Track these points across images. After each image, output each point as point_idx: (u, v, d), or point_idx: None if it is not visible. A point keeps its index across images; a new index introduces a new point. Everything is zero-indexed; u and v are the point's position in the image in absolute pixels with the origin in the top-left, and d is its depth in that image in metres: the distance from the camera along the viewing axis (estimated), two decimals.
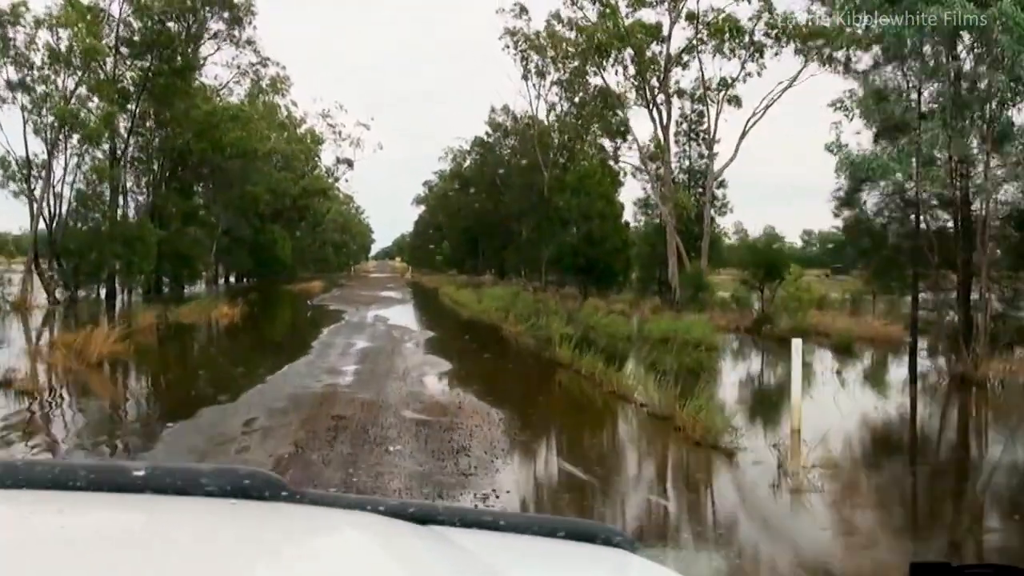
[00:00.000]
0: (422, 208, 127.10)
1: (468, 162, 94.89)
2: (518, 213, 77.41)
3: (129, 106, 52.12)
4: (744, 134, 44.14)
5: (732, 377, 24.69)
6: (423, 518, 1.50)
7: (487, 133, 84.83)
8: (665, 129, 45.83)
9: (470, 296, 52.06)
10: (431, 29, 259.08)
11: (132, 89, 51.97)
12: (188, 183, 61.91)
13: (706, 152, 50.10)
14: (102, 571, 1.13)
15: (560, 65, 66.45)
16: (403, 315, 42.54)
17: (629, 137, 58.76)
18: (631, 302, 48.05)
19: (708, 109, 45.81)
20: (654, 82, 45.83)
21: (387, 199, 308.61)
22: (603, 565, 1.53)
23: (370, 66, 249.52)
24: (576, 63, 65.56)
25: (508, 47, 65.71)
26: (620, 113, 49.50)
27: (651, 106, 45.94)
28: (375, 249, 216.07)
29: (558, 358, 23.85)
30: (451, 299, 54.68)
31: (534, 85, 68.60)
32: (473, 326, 37.65)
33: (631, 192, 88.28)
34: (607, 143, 67.13)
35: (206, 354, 30.08)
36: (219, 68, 64.12)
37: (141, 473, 1.42)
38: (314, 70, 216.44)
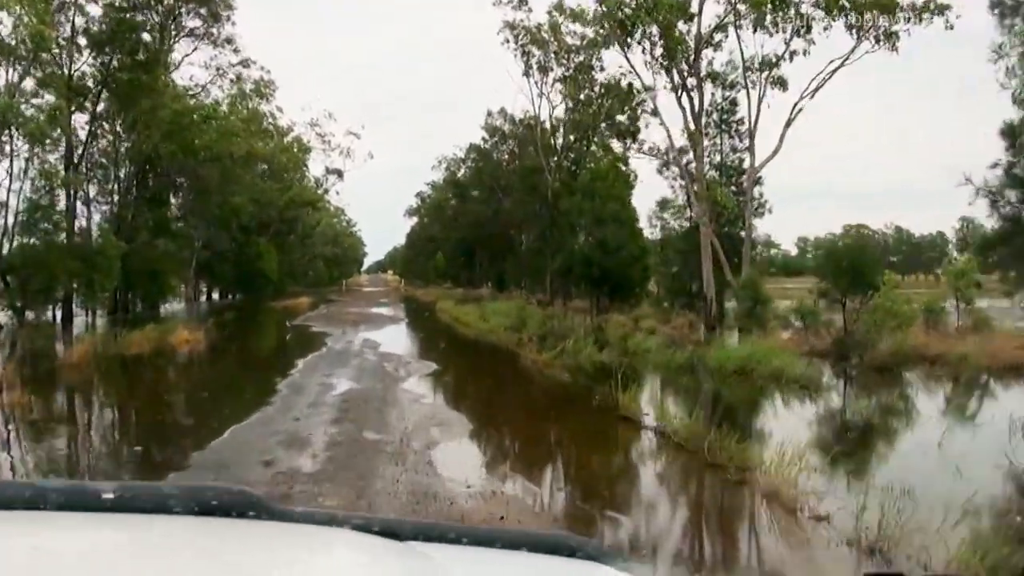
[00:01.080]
0: (415, 220, 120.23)
1: (463, 170, 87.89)
2: (519, 221, 70.11)
3: (88, 104, 44.82)
4: (790, 122, 36.83)
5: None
6: (397, 534, 1.45)
7: (483, 139, 77.57)
8: (697, 117, 38.41)
9: (471, 312, 44.77)
10: (426, 33, 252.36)
11: (92, 85, 44.62)
12: (159, 191, 54.25)
13: (740, 144, 42.76)
14: None
15: (564, 59, 59.50)
16: (397, 339, 35.29)
17: (643, 133, 51.53)
18: (659, 318, 40.72)
19: (749, 92, 38.31)
20: (683, 65, 38.26)
21: (380, 211, 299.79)
22: None
23: (364, 72, 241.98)
24: (581, 57, 58.95)
25: (508, 41, 58.88)
26: (644, 98, 41.11)
27: (680, 91, 38.46)
28: (368, 262, 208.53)
29: (622, 408, 16.40)
30: (450, 316, 47.28)
31: (536, 83, 61.56)
32: (483, 352, 30.53)
33: (645, 196, 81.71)
34: (616, 144, 60.48)
35: (121, 406, 20.91)
36: (196, 69, 56.75)
37: (114, 494, 1.37)
38: (306, 77, 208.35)
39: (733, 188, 42.76)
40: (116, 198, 49.48)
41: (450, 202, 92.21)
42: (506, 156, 74.99)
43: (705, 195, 38.53)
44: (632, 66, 40.32)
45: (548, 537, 1.55)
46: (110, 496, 1.36)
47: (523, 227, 70.19)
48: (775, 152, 37.63)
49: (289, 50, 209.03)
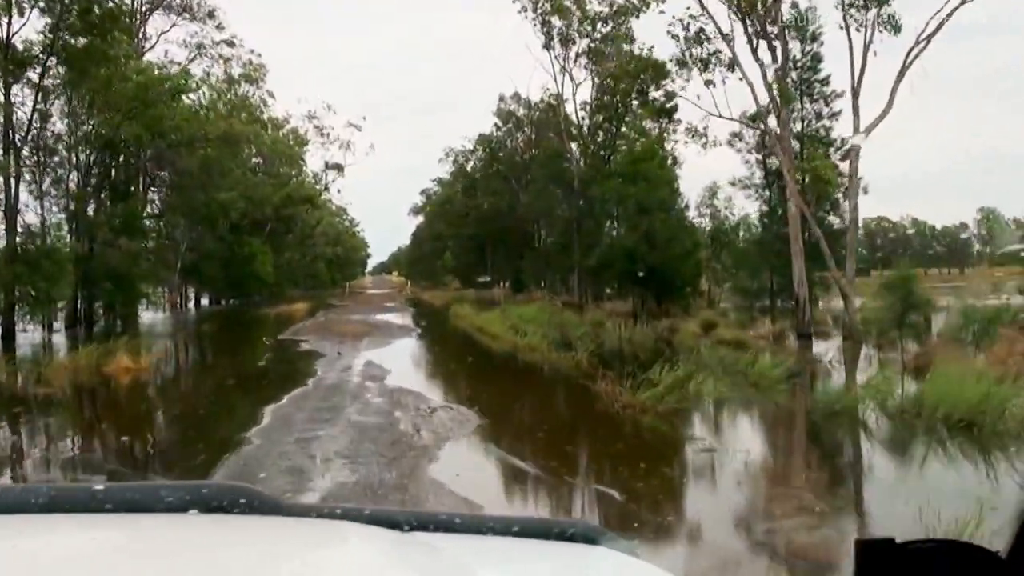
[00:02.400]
0: (419, 220, 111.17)
1: (472, 162, 78.86)
2: (538, 213, 61.06)
3: (33, 75, 35.93)
4: (904, 71, 27.77)
5: None
6: (398, 524, 1.43)
7: (496, 126, 68.52)
8: (781, 73, 29.39)
9: (494, 319, 35.82)
10: (426, 33, 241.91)
11: (39, 53, 35.78)
12: (127, 181, 45.08)
13: (826, 110, 33.69)
14: None
15: (589, 29, 50.55)
16: (410, 362, 25.93)
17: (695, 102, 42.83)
18: (732, 324, 31.77)
19: (851, 38, 29.15)
20: (761, 9, 29.18)
21: (382, 211, 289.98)
22: (582, 562, 1.47)
23: (363, 72, 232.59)
24: (608, 27, 50.05)
25: (525, 9, 50.00)
26: (716, 49, 31.91)
27: (757, 42, 29.44)
28: (371, 264, 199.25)
29: None
30: (470, 324, 38.28)
31: (557, 57, 52.57)
32: (538, 387, 21.08)
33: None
34: (651, 123, 51.58)
35: None
36: (174, 47, 47.96)
37: (112, 494, 1.35)
38: (305, 77, 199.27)
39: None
40: (75, 190, 40.40)
41: (459, 197, 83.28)
42: (521, 144, 66.04)
43: (798, 168, 29.46)
44: (704, 5, 30.85)
45: (547, 523, 1.54)
46: (109, 496, 1.34)
47: (543, 220, 61.20)
48: (884, 113, 28.60)
49: (287, 50, 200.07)
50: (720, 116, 31.76)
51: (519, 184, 65.94)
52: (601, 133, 52.64)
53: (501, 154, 68.22)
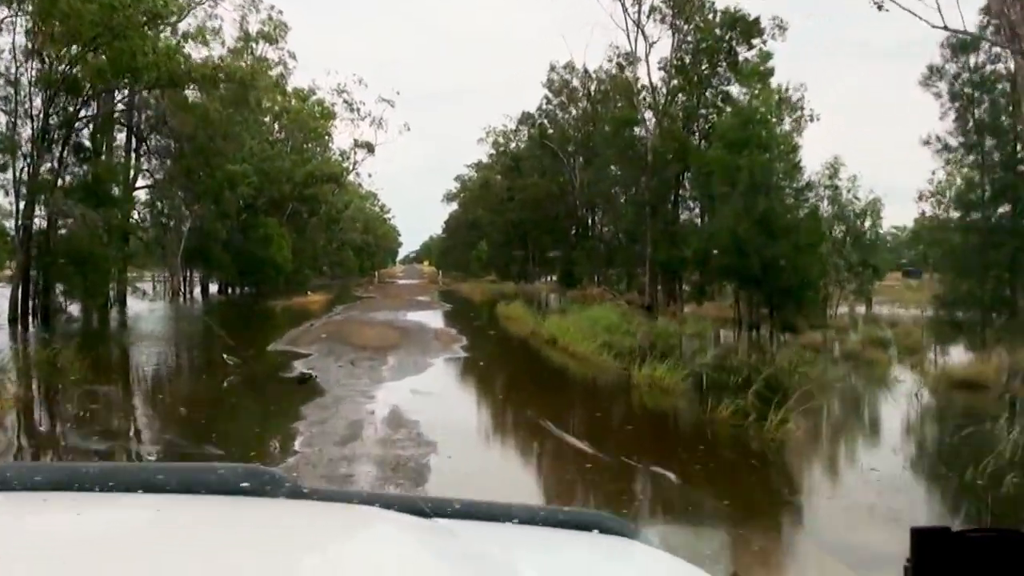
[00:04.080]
0: (453, 207, 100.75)
1: (515, 143, 68.33)
2: (597, 196, 50.48)
3: None
4: None
5: None
6: (423, 511, 1.38)
7: (546, 98, 57.88)
8: None
9: (563, 326, 25.04)
10: (459, 22, 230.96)
11: None
12: (94, 137, 34.70)
13: None
14: (115, 570, 1.07)
15: None
16: (468, 406, 15.07)
17: None
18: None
19: None
20: None
21: (414, 203, 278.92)
22: (604, 552, 1.42)
23: (393, 67, 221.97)
24: None
25: None
26: None
27: None
28: (402, 253, 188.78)
29: None
30: (529, 330, 27.77)
31: (629, 9, 41.91)
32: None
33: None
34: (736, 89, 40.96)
35: None
36: None
37: (143, 475, 1.33)
38: (331, 67, 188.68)
39: None
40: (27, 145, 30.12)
41: (499, 180, 72.74)
42: (576, 118, 55.42)
43: None
44: None
45: (574, 513, 1.49)
46: (139, 477, 1.32)
47: (602, 205, 50.56)
48: None
49: (313, 45, 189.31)
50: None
51: (573, 162, 55.32)
52: (683, 98, 41.85)
53: (551, 131, 57.55)
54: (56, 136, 30.42)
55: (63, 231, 31.97)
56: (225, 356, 17.92)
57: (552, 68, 56.69)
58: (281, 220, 60.41)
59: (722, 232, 29.91)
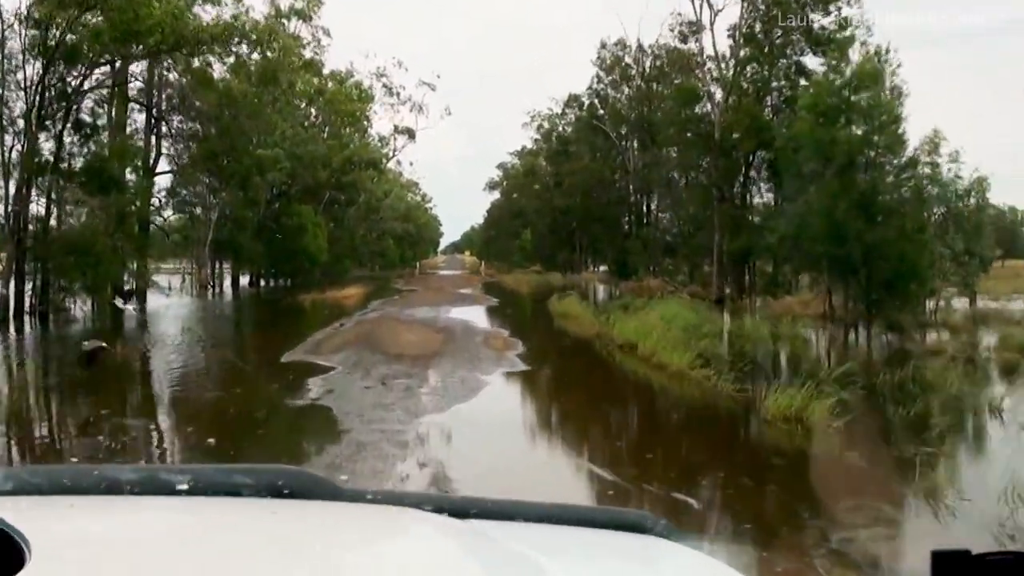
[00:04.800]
0: (495, 196, 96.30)
1: (561, 127, 63.72)
2: (652, 180, 45.84)
3: None
4: None
5: None
6: (462, 512, 1.36)
7: (597, 76, 53.20)
8: None
9: (634, 328, 20.43)
10: (500, 13, 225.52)
11: None
12: (106, 114, 30.84)
13: None
14: (156, 574, 1.06)
15: None
16: (546, 454, 10.68)
17: None
18: None
19: None
20: None
21: (454, 192, 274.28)
22: (643, 553, 1.38)
23: (432, 59, 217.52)
24: None
25: None
26: None
27: None
28: (443, 243, 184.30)
29: None
30: (595, 331, 23.41)
31: None
32: None
33: None
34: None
35: None
36: None
37: (185, 478, 1.30)
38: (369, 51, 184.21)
39: None
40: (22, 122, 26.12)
41: (545, 167, 68.23)
42: (626, 99, 50.73)
43: None
44: None
45: (613, 513, 1.48)
46: (182, 480, 1.30)
47: (659, 189, 45.89)
48: None
49: (351, 39, 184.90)
50: None
51: (626, 144, 50.71)
52: (752, 70, 37.07)
53: (602, 112, 52.92)
54: (53, 110, 26.37)
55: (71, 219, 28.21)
56: (279, 355, 13.56)
57: (603, 45, 52.08)
58: (317, 208, 56.39)
59: (814, 215, 25.29)
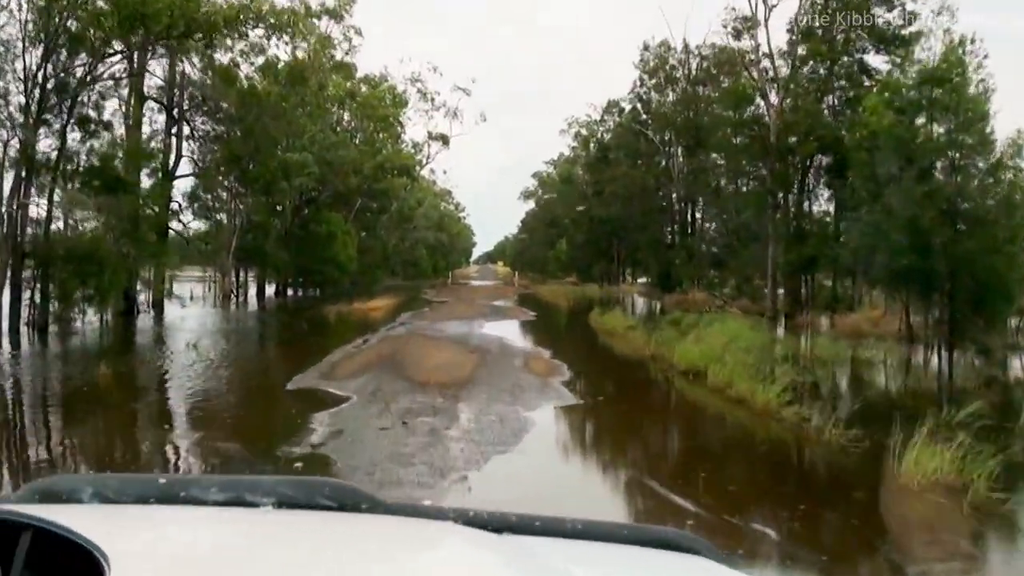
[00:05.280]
0: (530, 205, 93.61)
1: (600, 134, 60.89)
2: (698, 188, 42.85)
3: None
4: None
5: None
6: (501, 527, 1.36)
7: (639, 80, 50.39)
8: None
9: (701, 351, 17.45)
10: (536, 19, 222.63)
11: None
12: (99, 106, 28.27)
13: None
14: None
15: None
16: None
17: None
18: None
19: None
20: None
21: (486, 204, 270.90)
22: (679, 571, 1.35)
23: (465, 72, 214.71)
24: None
25: None
26: None
27: None
28: (476, 253, 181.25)
29: None
30: (644, 350, 20.49)
31: None
32: None
33: None
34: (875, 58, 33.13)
35: None
36: None
37: (230, 488, 1.34)
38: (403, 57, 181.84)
39: None
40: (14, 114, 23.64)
41: (582, 175, 65.45)
42: (670, 103, 47.78)
43: None
44: None
45: (650, 531, 1.43)
46: (227, 490, 1.32)
47: (708, 196, 42.86)
48: None
49: (386, 48, 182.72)
50: None
51: (671, 150, 47.82)
52: (809, 69, 34.04)
53: (645, 116, 50.06)
54: (55, 104, 23.90)
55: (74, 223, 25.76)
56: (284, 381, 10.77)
57: (645, 47, 49.30)
58: (347, 216, 53.90)
59: (893, 224, 22.26)
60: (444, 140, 63.25)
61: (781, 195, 33.87)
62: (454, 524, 1.35)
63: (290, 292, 49.98)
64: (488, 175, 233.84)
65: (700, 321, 26.52)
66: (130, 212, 27.88)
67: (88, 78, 24.00)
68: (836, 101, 33.74)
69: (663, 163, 48.73)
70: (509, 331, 27.30)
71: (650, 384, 16.95)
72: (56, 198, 24.43)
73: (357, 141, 55.88)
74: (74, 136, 24.96)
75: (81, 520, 1.11)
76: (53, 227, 24.62)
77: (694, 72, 45.51)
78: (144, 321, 29.58)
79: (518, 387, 14.45)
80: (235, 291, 44.03)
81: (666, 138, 47.93)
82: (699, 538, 1.41)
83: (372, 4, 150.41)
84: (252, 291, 47.45)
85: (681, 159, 46.21)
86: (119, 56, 25.56)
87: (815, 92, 33.07)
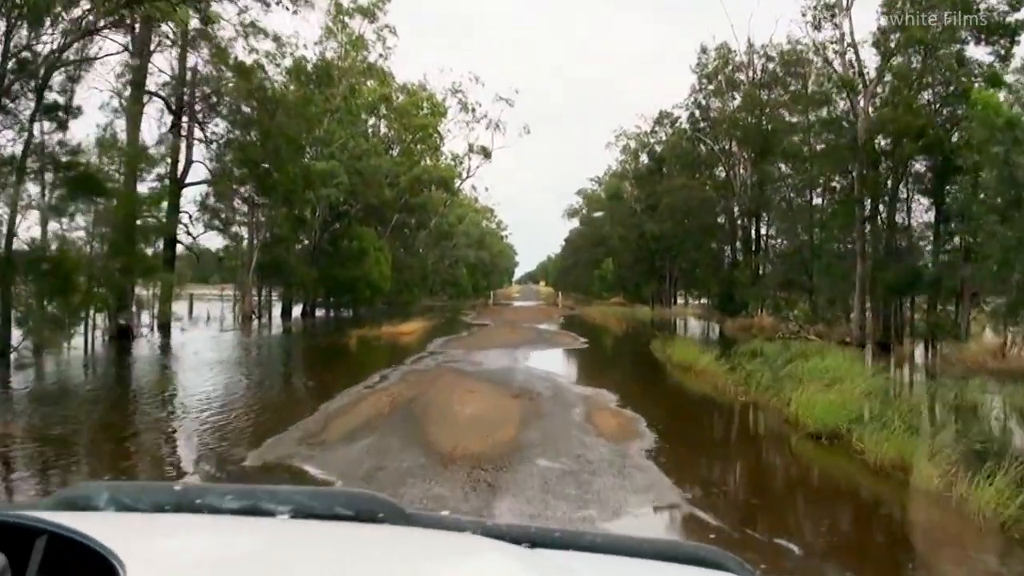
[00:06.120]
0: (574, 224, 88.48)
1: (651, 147, 55.85)
2: (765, 200, 37.79)
3: None
4: None
5: None
6: (530, 540, 1.29)
7: (697, 86, 45.46)
8: None
9: (822, 405, 12.31)
10: (581, 32, 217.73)
11: None
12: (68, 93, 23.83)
13: None
14: None
15: None
16: None
17: None
18: None
19: None
20: None
21: (527, 222, 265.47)
22: None
23: (511, 79, 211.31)
24: None
25: None
26: None
27: None
28: (518, 273, 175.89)
29: None
30: (743, 394, 15.28)
31: None
32: None
33: None
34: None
35: None
36: None
37: (251, 498, 1.30)
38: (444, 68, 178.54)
39: None
40: None
41: (632, 191, 60.48)
42: (732, 108, 42.73)
43: None
44: None
45: (680, 546, 1.35)
46: (238, 498, 1.28)
47: (780, 209, 37.73)
48: None
49: (427, 64, 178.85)
50: None
51: (733, 160, 42.79)
52: (899, 61, 28.90)
53: (704, 124, 45.08)
54: (20, 89, 19.51)
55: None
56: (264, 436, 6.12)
57: (703, 50, 44.41)
58: (382, 231, 49.40)
59: None
60: (486, 153, 58.74)
61: (871, 205, 28.80)
62: (486, 538, 1.26)
63: (320, 312, 45.38)
64: (531, 195, 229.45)
65: (785, 353, 21.54)
66: (122, 221, 23.56)
67: (56, 56, 19.51)
68: (934, 97, 28.59)
69: (724, 174, 43.67)
70: (559, 364, 22.38)
71: (773, 455, 11.70)
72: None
73: (394, 152, 51.53)
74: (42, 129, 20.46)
75: (97, 526, 1.04)
76: (28, 236, 20.20)
77: (759, 74, 40.52)
78: (136, 347, 25.02)
79: (585, 465, 9.51)
80: (256, 311, 39.49)
81: (727, 147, 42.91)
82: (729, 554, 1.28)
83: (404, 29, 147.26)
84: (278, 311, 42.87)
85: (743, 170, 41.20)
86: (105, 29, 21.10)
87: (913, 85, 27.88)
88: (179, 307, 40.78)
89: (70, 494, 1.30)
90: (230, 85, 30.69)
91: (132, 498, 1.28)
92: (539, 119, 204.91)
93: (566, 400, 14.48)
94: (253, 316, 39.03)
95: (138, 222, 25.64)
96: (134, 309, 28.34)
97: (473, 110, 56.00)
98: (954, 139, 26.94)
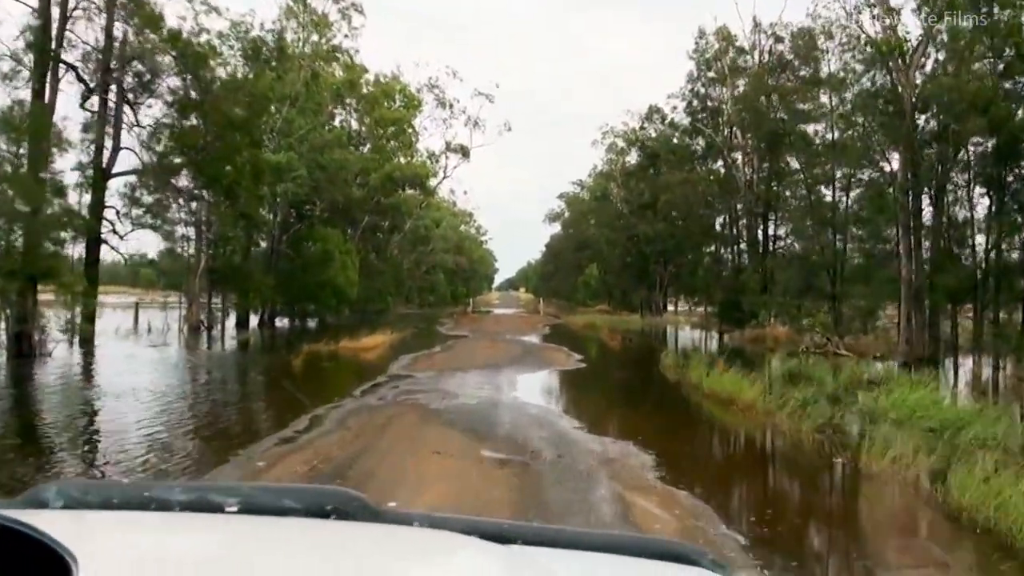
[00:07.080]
0: (555, 229, 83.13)
1: (641, 143, 50.77)
2: (778, 195, 32.84)
3: None
4: None
5: None
6: (502, 537, 1.26)
7: (694, 74, 40.47)
8: None
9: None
10: (562, 37, 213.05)
11: None
12: None
13: None
14: None
15: None
16: None
17: None
18: None
19: None
20: None
21: (505, 228, 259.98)
22: None
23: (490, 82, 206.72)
24: None
25: None
26: None
27: None
28: (497, 279, 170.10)
29: None
30: (815, 444, 10.46)
31: None
32: None
33: None
34: None
35: None
36: None
37: (233, 497, 1.25)
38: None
39: None
40: None
41: (615, 191, 55.40)
42: (737, 94, 37.72)
43: None
44: None
45: (651, 542, 1.34)
46: (231, 499, 1.24)
47: (801, 204, 32.73)
48: None
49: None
50: None
51: (738, 154, 37.73)
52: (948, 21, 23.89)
53: (703, 115, 40.08)
54: None
55: None
56: None
57: (701, 34, 39.47)
58: (351, 234, 44.10)
59: None
60: (464, 151, 53.41)
61: (915, 196, 23.77)
62: (461, 535, 1.23)
63: (283, 322, 39.86)
64: (509, 198, 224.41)
65: (834, 375, 16.52)
66: (11, 210, 18.37)
67: None
68: (991, 68, 23.62)
69: (724, 169, 38.60)
70: (555, 394, 17.20)
71: None
72: None
73: (365, 149, 46.25)
74: None
75: (48, 523, 0.98)
76: None
77: (766, 56, 35.57)
78: (35, 369, 19.55)
79: None
80: (205, 322, 34.00)
81: (729, 139, 37.88)
82: (701, 548, 1.27)
83: (401, 28, 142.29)
84: (232, 320, 37.26)
85: (747, 165, 36.16)
86: None
87: (971, 49, 22.83)
88: (121, 318, 35.34)
89: (32, 494, 1.22)
90: (166, 60, 25.49)
91: (82, 494, 1.23)
92: (523, 120, 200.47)
93: (578, 469, 9.22)
94: (202, 327, 33.59)
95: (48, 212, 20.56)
96: (45, 321, 22.97)
97: (451, 106, 50.78)
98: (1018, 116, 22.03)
